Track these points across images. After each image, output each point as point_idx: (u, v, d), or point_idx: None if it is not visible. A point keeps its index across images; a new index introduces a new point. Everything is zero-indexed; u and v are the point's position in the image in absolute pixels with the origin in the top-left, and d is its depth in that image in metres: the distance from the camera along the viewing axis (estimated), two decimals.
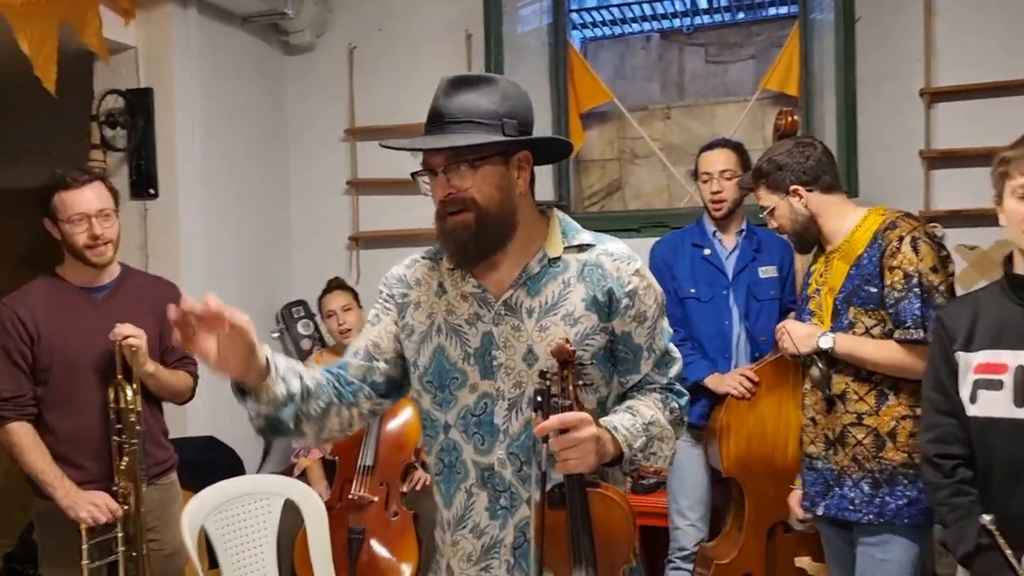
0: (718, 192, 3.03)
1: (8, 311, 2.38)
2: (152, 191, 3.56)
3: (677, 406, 1.68)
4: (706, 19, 4.29)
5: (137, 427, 2.37)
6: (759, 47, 4.20)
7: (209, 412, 3.60)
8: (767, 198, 2.46)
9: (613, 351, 1.61)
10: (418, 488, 3.45)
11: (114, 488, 2.40)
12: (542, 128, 3.97)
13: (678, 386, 1.70)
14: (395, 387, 1.68)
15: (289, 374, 1.50)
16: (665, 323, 1.66)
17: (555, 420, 1.41)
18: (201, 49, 3.69)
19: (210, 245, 3.71)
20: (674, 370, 1.69)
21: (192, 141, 3.64)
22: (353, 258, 4.18)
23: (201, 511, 2.56)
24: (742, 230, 3.11)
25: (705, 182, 3.07)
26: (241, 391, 1.47)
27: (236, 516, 2.67)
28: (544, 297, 1.57)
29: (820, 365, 2.34)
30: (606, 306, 1.57)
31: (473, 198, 1.50)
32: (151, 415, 2.57)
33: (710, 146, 3.13)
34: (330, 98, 4.20)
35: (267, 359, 1.45)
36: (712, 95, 4.25)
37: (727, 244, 3.11)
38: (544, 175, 3.97)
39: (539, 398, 1.46)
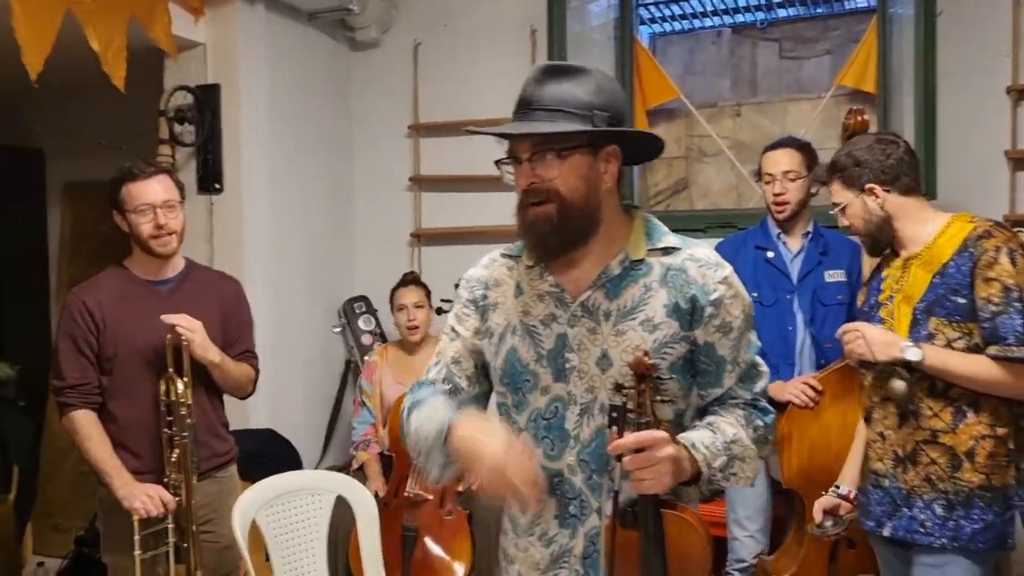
0: (781, 194, 2.92)
1: (76, 300, 2.44)
2: (218, 186, 3.60)
3: (761, 424, 1.58)
4: (781, 13, 4.16)
5: (187, 420, 2.39)
6: (836, 42, 4.05)
7: (270, 405, 3.65)
8: (841, 194, 2.32)
9: (694, 362, 1.54)
10: (474, 488, 3.43)
11: (166, 480, 2.43)
12: None
13: (763, 402, 1.61)
14: (482, 399, 1.68)
15: None
16: (753, 336, 1.58)
17: (631, 439, 1.37)
18: (268, 45, 3.72)
19: (274, 239, 3.75)
20: (760, 385, 1.60)
21: (257, 136, 3.68)
22: (415, 254, 4.18)
23: (253, 505, 2.58)
24: (808, 232, 3.00)
25: (768, 183, 2.97)
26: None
27: (288, 511, 2.68)
28: (623, 300, 1.51)
29: (906, 377, 2.14)
30: (688, 314, 1.50)
31: (557, 189, 1.45)
32: (212, 408, 2.60)
33: (774, 146, 3.02)
34: (394, 94, 4.20)
35: None
36: (785, 92, 4.11)
37: (792, 246, 3.00)
38: None
39: (614, 413, 1.41)
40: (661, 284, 1.50)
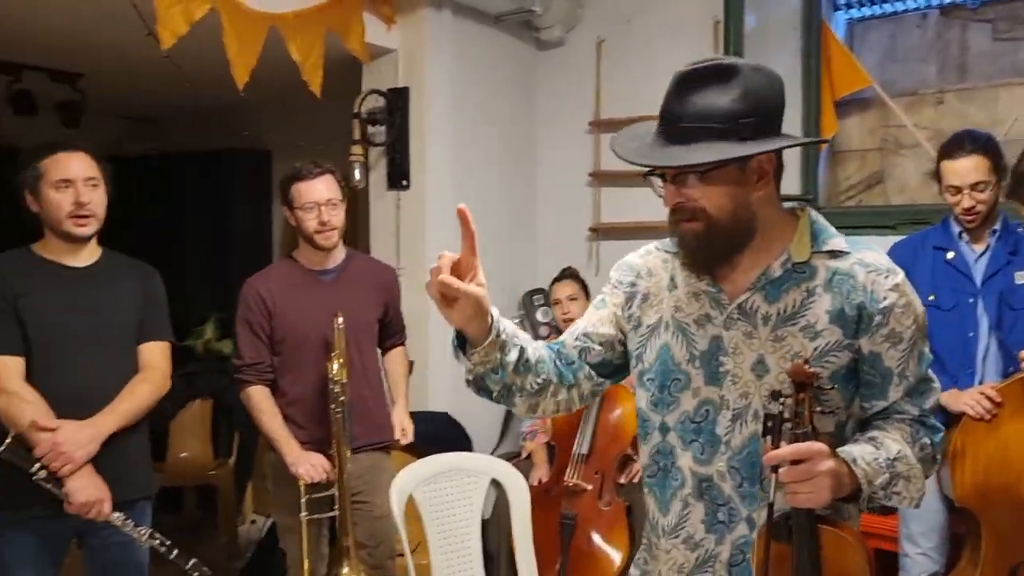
0: (971, 208, 2.68)
1: (252, 289, 2.73)
2: (404, 183, 3.85)
3: (929, 442, 1.47)
4: None
5: (342, 397, 2.61)
6: None
7: (449, 391, 3.86)
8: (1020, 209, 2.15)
9: (857, 372, 1.45)
10: (635, 480, 3.44)
11: (331, 452, 2.67)
12: (790, 117, 3.76)
13: (932, 420, 1.50)
14: (613, 370, 1.62)
15: (511, 343, 1.46)
16: (926, 348, 1.47)
17: (788, 450, 1.30)
18: (453, 48, 3.92)
19: (456, 233, 3.92)
20: (930, 401, 1.49)
21: (441, 135, 3.88)
22: (593, 249, 4.24)
23: (411, 481, 2.75)
24: (995, 230, 2.74)
25: (954, 195, 2.72)
26: (461, 342, 1.46)
27: (443, 489, 2.83)
28: (783, 304, 1.43)
29: None
30: (854, 322, 1.41)
31: (703, 208, 1.40)
32: (370, 392, 2.83)
33: (953, 149, 2.72)
34: (577, 91, 4.28)
35: (492, 320, 1.42)
36: (998, 76, 3.77)
37: (976, 246, 2.76)
38: (792, 165, 3.76)
39: (770, 423, 1.35)
40: (825, 289, 1.42)
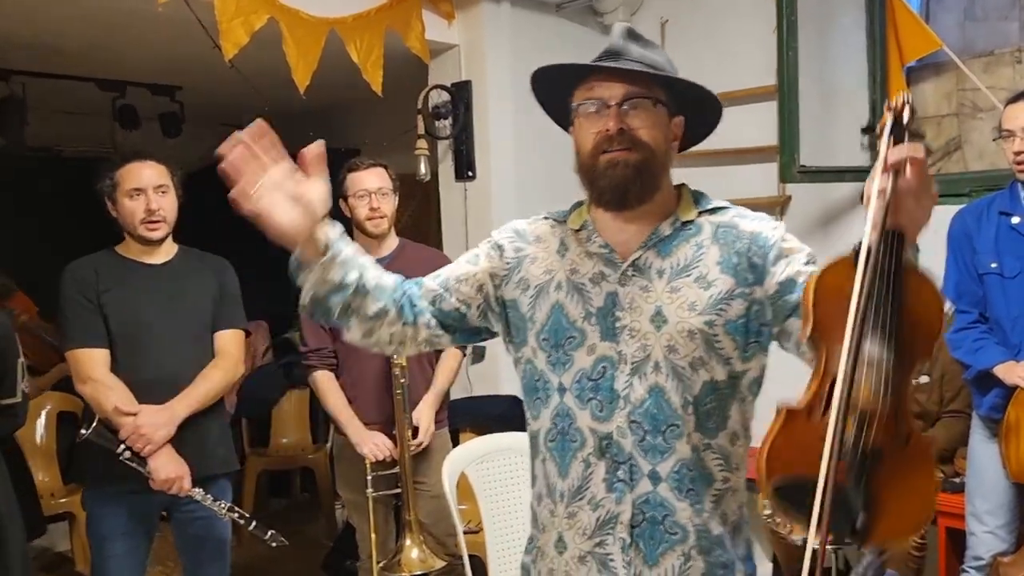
0: (1020, 152, 2.59)
1: None
2: (471, 173, 3.97)
3: None
4: None
5: (402, 380, 2.75)
6: None
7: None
8: None
9: (748, 327, 1.43)
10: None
11: (393, 432, 2.81)
12: (856, 85, 3.67)
13: None
14: (459, 328, 1.61)
15: (349, 263, 1.48)
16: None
17: (911, 148, 1.16)
18: (513, 39, 4.00)
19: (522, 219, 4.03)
20: None
21: (505, 126, 3.97)
22: None
23: (463, 459, 2.86)
24: None
25: (1007, 139, 2.64)
26: (299, 263, 1.48)
27: (496, 467, 2.92)
28: (676, 259, 1.47)
29: None
30: (745, 270, 1.43)
31: (643, 139, 1.43)
32: (423, 379, 2.95)
33: (1018, 96, 2.67)
34: None
35: (327, 238, 1.45)
36: None
37: None
38: (858, 133, 3.66)
39: (893, 120, 1.20)
40: (712, 241, 1.47)
